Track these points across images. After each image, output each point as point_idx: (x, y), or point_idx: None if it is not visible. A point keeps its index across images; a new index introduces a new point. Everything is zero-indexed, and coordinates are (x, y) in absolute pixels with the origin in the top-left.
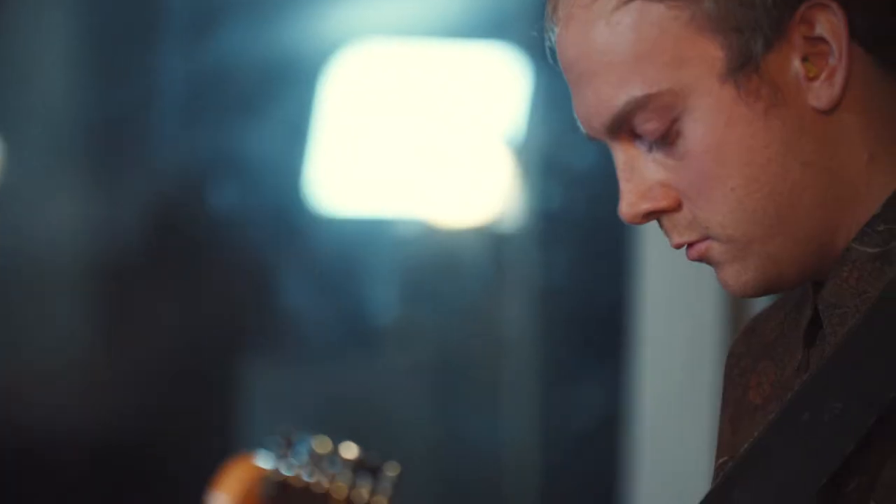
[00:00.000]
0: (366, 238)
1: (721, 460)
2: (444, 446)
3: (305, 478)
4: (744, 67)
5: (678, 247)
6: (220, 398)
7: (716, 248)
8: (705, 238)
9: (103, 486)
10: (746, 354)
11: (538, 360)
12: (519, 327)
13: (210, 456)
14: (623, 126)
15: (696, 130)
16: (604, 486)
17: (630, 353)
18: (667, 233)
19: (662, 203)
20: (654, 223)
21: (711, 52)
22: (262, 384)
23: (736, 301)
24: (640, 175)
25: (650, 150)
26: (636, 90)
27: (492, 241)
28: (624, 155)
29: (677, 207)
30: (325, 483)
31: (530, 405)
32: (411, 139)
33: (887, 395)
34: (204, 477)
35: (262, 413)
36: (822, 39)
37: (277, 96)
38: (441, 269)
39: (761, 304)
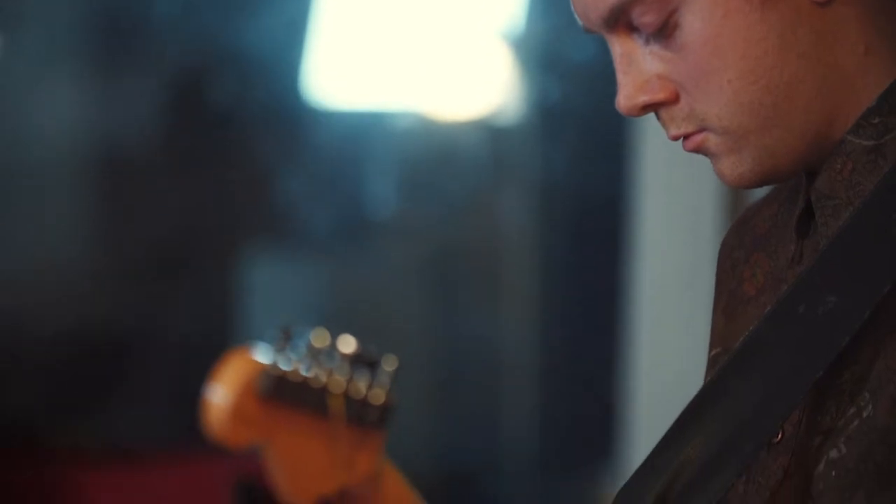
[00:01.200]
0: (364, 131)
1: (714, 352)
2: (443, 340)
3: (303, 372)
4: None
5: (675, 139)
6: (220, 293)
7: (712, 140)
8: (702, 130)
9: (102, 379)
10: (739, 246)
11: (536, 253)
12: (517, 220)
13: (210, 350)
14: (620, 19)
15: (694, 23)
16: (602, 379)
17: (629, 246)
18: (664, 125)
19: (660, 95)
20: (651, 116)
21: None
22: (261, 278)
23: (734, 193)
24: (637, 67)
25: (647, 42)
26: None
27: (490, 134)
28: (621, 48)
29: (675, 100)
30: (323, 377)
31: (528, 298)
32: (410, 32)
33: (881, 288)
34: (204, 371)
35: (262, 307)
36: None
37: None
38: (439, 162)
39: (760, 195)
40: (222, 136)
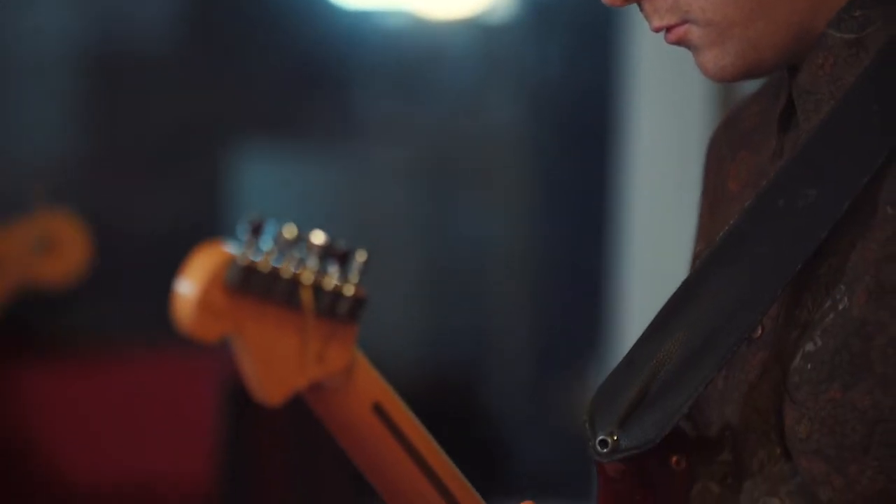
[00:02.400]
0: (354, 30)
1: (698, 248)
2: (433, 239)
3: (273, 263)
4: None
5: (657, 30)
6: (208, 190)
7: (695, 32)
8: (685, 22)
9: (87, 272)
10: (726, 144)
11: (528, 152)
12: (508, 119)
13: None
14: None
15: None
16: (593, 277)
17: (619, 143)
18: (647, 17)
19: None
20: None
21: None
22: (249, 177)
23: (725, 89)
24: None
25: None
26: None
27: (481, 32)
28: None
29: None
30: (293, 268)
31: (519, 197)
32: None
33: (859, 181)
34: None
35: (249, 206)
36: None
37: None
38: (430, 61)
39: (751, 90)
40: (211, 32)
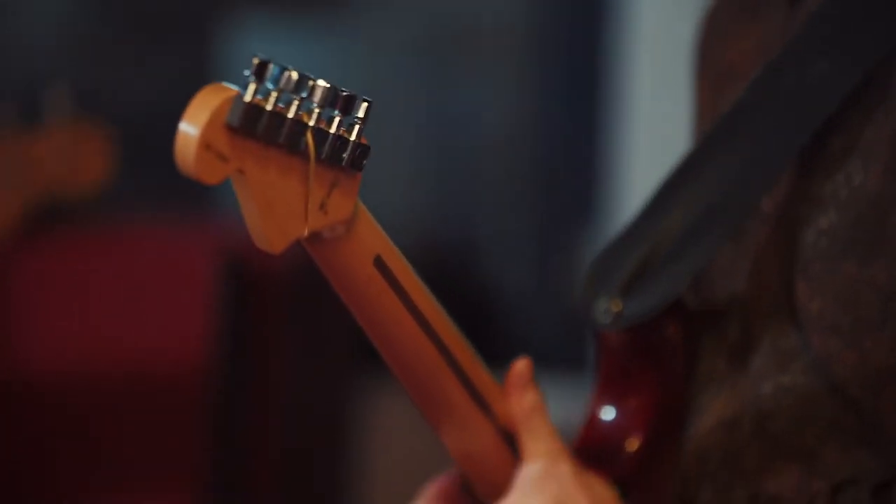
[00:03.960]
0: None
1: (700, 122)
2: (433, 116)
3: (277, 104)
4: None
5: None
6: (201, 61)
7: None
8: None
9: None
10: (727, 17)
11: (525, 25)
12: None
13: None
14: None
15: None
16: (590, 149)
17: (620, 16)
18: None
19: None
20: None
21: None
22: (242, 50)
23: None
24: None
25: None
26: None
27: None
28: None
29: None
30: (298, 111)
31: (518, 73)
32: None
33: (874, 55)
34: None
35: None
36: None
37: None
38: None
39: None
40: None
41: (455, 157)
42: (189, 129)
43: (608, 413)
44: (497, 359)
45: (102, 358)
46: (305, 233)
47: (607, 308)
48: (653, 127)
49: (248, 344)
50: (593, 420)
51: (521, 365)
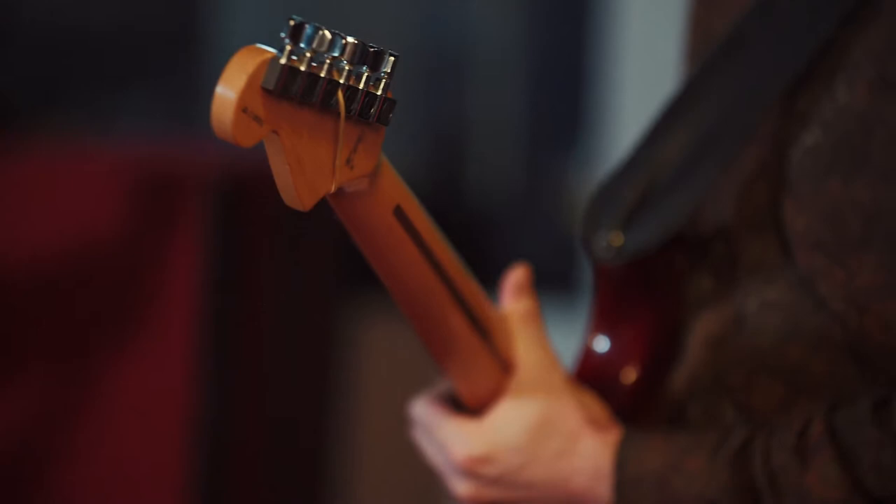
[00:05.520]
0: None
1: (692, 44)
2: (424, 27)
3: (311, 64)
4: None
5: None
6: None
7: None
8: None
9: (82, 67)
10: None
11: None
12: None
13: (184, 40)
14: None
15: None
16: (581, 72)
17: None
18: None
19: None
20: None
21: None
22: None
23: None
24: None
25: None
26: None
27: None
28: None
29: None
30: (329, 70)
31: None
32: None
33: None
34: (170, 63)
35: (231, 10)
36: None
37: None
38: None
39: None
40: None
41: (444, 75)
42: (226, 92)
43: (604, 345)
44: (484, 274)
45: (84, 268)
46: (333, 188)
47: (608, 242)
48: (643, 45)
49: (235, 262)
50: (589, 352)
51: (518, 271)
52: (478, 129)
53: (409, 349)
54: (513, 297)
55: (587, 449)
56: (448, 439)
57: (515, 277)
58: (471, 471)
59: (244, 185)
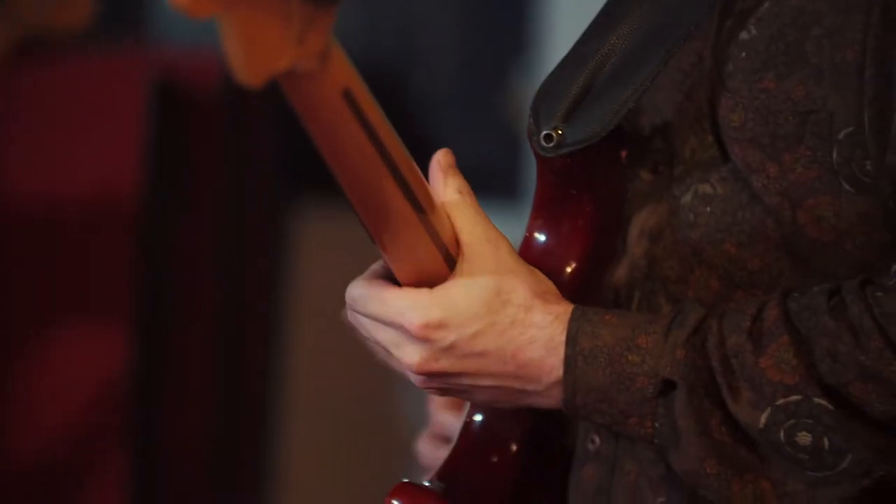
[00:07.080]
0: None
1: None
2: None
3: None
4: None
5: None
6: None
7: None
8: None
9: None
10: None
11: None
12: None
13: None
14: None
15: None
16: None
17: None
18: None
19: None
20: None
21: None
22: None
23: None
24: None
25: None
26: None
27: None
28: None
29: None
30: None
31: None
32: None
33: None
34: None
35: None
36: None
37: None
38: None
39: None
40: None
41: None
42: None
43: (545, 237)
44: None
45: (32, 189)
46: (283, 67)
47: (549, 135)
48: None
49: (179, 166)
50: (530, 243)
51: (441, 154)
52: (423, 35)
53: (352, 250)
54: (442, 178)
55: (542, 320)
56: (401, 308)
57: (442, 159)
58: (425, 337)
59: (183, 90)
